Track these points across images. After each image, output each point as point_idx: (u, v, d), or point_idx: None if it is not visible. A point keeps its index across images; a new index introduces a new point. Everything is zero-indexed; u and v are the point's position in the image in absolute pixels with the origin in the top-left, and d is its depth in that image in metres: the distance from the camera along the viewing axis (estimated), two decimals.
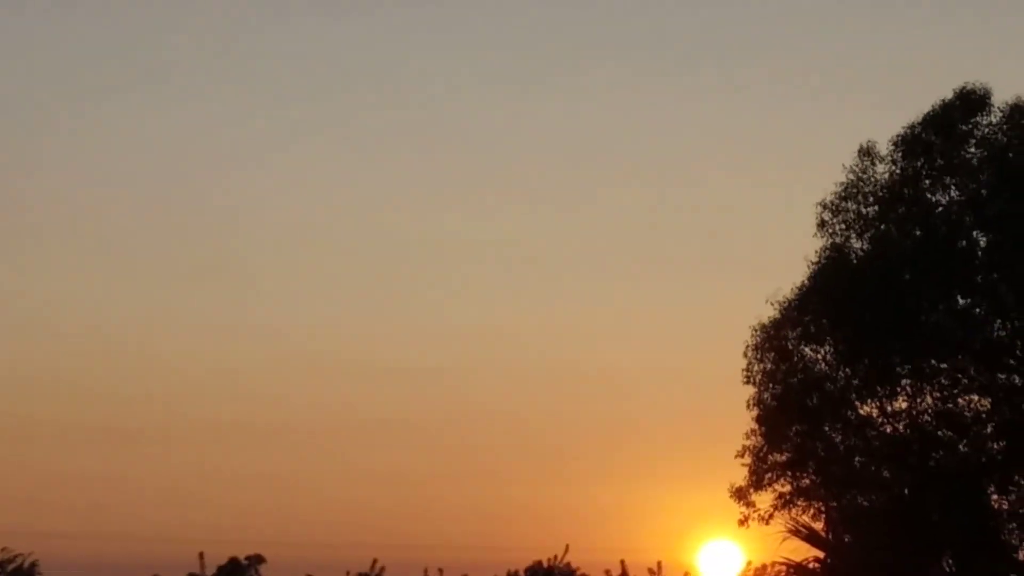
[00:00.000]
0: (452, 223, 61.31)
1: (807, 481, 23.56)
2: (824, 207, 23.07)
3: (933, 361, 22.27)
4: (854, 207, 22.81)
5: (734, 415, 24.18)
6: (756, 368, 23.72)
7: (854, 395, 22.97)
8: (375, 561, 30.12)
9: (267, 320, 59.75)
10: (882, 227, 22.48)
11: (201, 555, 31.12)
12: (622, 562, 27.86)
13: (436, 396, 57.94)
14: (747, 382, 23.83)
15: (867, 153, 23.07)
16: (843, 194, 22.94)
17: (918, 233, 21.75)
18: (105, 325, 57.88)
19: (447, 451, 56.45)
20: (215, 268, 59.89)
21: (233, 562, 31.83)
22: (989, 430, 22.20)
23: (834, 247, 22.84)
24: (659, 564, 27.45)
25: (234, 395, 57.86)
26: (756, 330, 23.75)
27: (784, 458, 23.56)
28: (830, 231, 22.96)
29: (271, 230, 61.08)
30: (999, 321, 21.63)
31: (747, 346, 23.79)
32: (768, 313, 23.69)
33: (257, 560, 32.25)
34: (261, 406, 57.99)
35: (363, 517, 51.53)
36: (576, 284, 61.34)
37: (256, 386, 58.42)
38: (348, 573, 30.31)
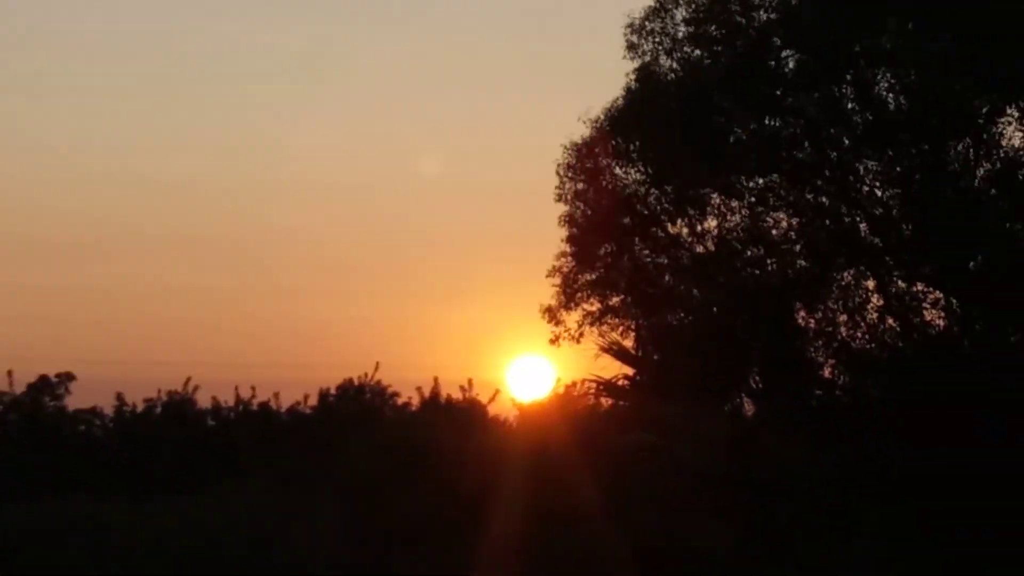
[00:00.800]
0: (236, 35, 59.17)
1: (616, 300, 23.64)
2: (632, 29, 22.71)
3: (743, 179, 22.27)
4: (661, 27, 22.50)
5: (547, 234, 24.12)
6: (568, 187, 23.61)
7: (664, 216, 23.00)
8: (188, 379, 29.61)
9: (60, 137, 57.66)
10: (691, 48, 22.27)
11: (10, 373, 30.51)
12: (435, 379, 27.74)
13: (235, 213, 56.74)
14: (559, 200, 23.75)
15: None
16: (650, 15, 22.61)
17: (727, 54, 21.54)
18: None
19: (251, 269, 55.58)
20: None
21: (43, 380, 31.29)
22: (797, 249, 22.32)
23: (643, 68, 22.57)
24: (470, 381, 27.36)
25: (32, 212, 55.99)
26: (568, 149, 23.57)
27: (594, 277, 23.58)
28: (639, 52, 22.68)
29: (49, 44, 58.45)
30: (807, 142, 21.58)
31: (559, 165, 23.63)
32: (581, 132, 23.56)
33: (67, 378, 31.74)
34: (62, 222, 56.34)
35: (174, 335, 50.67)
36: (379, 98, 59.95)
37: (52, 202, 56.63)
38: (160, 391, 29.78)
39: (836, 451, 19.70)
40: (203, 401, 29.89)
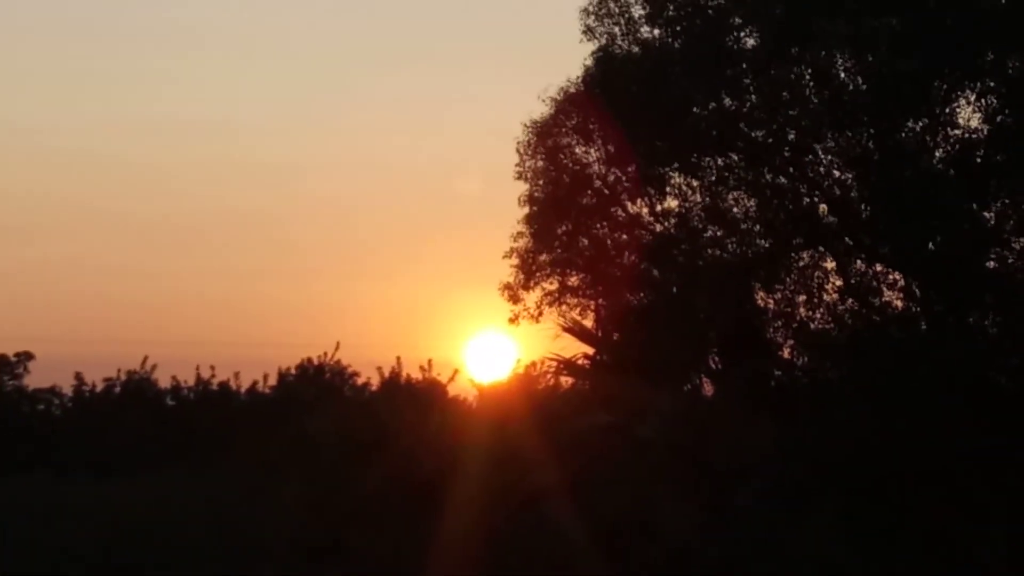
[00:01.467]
0: (187, 13, 58.50)
1: (576, 279, 23.64)
2: (588, 13, 22.67)
3: (702, 158, 22.25)
4: (618, 9, 22.44)
5: (507, 212, 24.13)
6: (528, 165, 23.60)
7: (624, 195, 23.00)
8: (146, 358, 29.50)
9: (19, 117, 57.01)
10: (649, 28, 22.23)
11: None
12: (398, 359, 27.67)
13: (195, 194, 56.36)
14: (519, 178, 23.73)
15: None
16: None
17: (685, 33, 21.48)
18: None
19: (211, 249, 55.24)
20: None
21: (1, 359, 31.11)
22: (756, 229, 22.30)
23: (602, 49, 22.52)
24: (429, 362, 27.30)
25: None
26: (528, 127, 23.54)
27: (553, 256, 23.55)
28: (596, 35, 22.63)
29: None
30: (765, 122, 21.53)
31: (519, 143, 23.60)
32: (541, 110, 23.52)
33: (26, 357, 31.62)
34: (19, 202, 55.85)
35: (134, 314, 50.47)
36: (335, 76, 59.28)
37: (9, 182, 56.10)
38: (119, 370, 29.66)
39: (795, 431, 19.72)
40: (163, 381, 29.83)
